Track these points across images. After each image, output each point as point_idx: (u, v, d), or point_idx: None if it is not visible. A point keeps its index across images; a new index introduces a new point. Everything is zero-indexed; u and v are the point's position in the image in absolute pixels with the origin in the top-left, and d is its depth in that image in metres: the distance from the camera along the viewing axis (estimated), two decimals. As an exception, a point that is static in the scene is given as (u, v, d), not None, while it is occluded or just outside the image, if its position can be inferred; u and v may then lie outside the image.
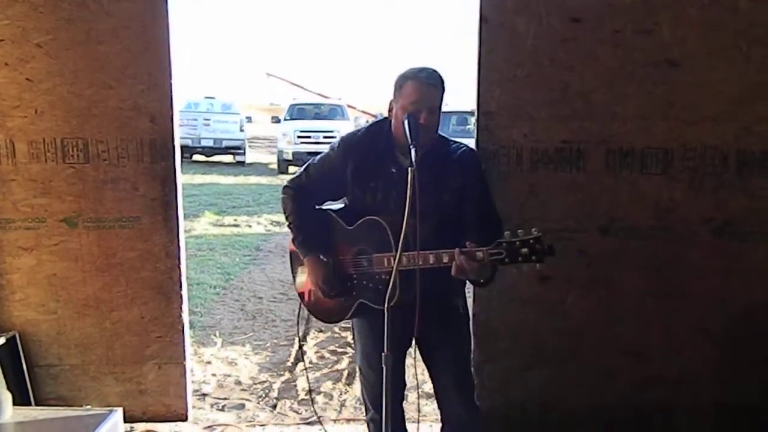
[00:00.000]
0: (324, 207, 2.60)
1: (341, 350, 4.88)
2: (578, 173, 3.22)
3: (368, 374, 2.58)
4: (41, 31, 3.20)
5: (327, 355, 4.79)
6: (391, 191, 2.36)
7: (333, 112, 17.79)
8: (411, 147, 2.18)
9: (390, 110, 2.40)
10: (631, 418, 3.35)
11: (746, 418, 3.28)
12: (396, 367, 2.42)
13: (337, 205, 2.59)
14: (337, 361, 4.67)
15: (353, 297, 2.45)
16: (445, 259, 2.21)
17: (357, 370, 2.75)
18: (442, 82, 2.36)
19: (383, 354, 2.19)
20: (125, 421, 3.21)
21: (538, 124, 3.20)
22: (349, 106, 19.96)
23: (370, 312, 2.42)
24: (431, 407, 3.72)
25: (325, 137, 15.91)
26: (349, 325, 5.04)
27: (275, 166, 16.87)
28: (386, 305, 2.15)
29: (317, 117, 17.45)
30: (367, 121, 25.18)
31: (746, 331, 3.27)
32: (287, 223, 2.58)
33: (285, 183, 2.63)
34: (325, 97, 24.70)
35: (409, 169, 2.13)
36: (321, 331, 5.24)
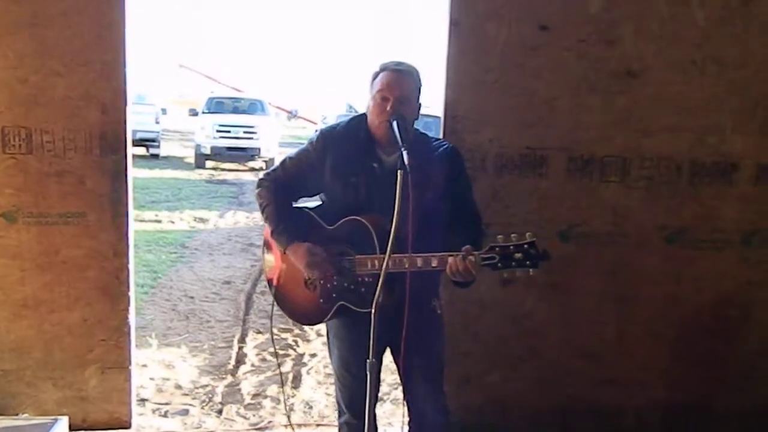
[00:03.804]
0: (300, 205, 2.52)
1: (283, 352, 4.77)
2: (541, 179, 3.27)
3: (344, 378, 2.52)
4: (-18, 11, 2.96)
5: (268, 357, 4.66)
6: (373, 188, 2.32)
7: (253, 107, 17.39)
8: (402, 149, 2.14)
9: (367, 106, 2.38)
10: (585, 419, 3.43)
11: (693, 417, 3.43)
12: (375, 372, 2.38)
13: (314, 203, 2.52)
14: (280, 364, 4.56)
15: (333, 299, 2.38)
16: (434, 263, 2.18)
17: (333, 372, 2.66)
18: (416, 73, 2.35)
19: (368, 361, 2.15)
20: (64, 430, 3.01)
21: (504, 129, 3.22)
22: (264, 102, 19.61)
23: (349, 315, 2.37)
24: (381, 410, 3.70)
25: (245, 132, 15.58)
26: (289, 326, 5.06)
27: (191, 160, 16.35)
28: (374, 310, 2.10)
29: (236, 111, 17.01)
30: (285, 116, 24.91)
31: (694, 333, 3.40)
32: (264, 216, 2.48)
33: (260, 176, 2.55)
34: (239, 90, 24.25)
35: (399, 171, 2.09)
36: (260, 332, 5.10)
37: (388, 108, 2.26)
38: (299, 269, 2.40)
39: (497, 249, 2.10)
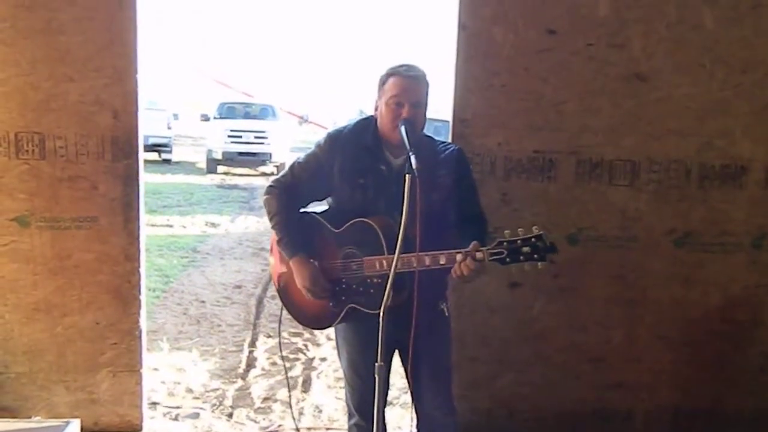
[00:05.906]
0: (308, 210, 2.54)
1: (293, 356, 4.78)
2: (549, 183, 3.27)
3: (354, 380, 2.54)
4: (-3, 17, 3.00)
5: (279, 361, 4.67)
6: (381, 190, 2.35)
7: (264, 112, 17.46)
8: (410, 154, 2.16)
9: (375, 109, 2.41)
10: (593, 423, 3.42)
11: (702, 421, 3.42)
12: (384, 375, 2.39)
13: (321, 208, 2.54)
14: (290, 368, 4.58)
15: (342, 302, 2.40)
16: (442, 261, 2.20)
17: (343, 374, 2.68)
18: (425, 76, 2.37)
19: (377, 364, 2.16)
20: (76, 432, 3.04)
21: (512, 133, 3.23)
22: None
23: (358, 317, 2.38)
24: (390, 414, 3.70)
25: (256, 137, 15.65)
26: (299, 330, 5.07)
27: (203, 165, 16.45)
28: (382, 310, 2.11)
29: (247, 116, 17.12)
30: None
31: (702, 337, 3.40)
32: (271, 224, 2.51)
33: (269, 182, 2.57)
34: (250, 95, 24.32)
35: (407, 175, 2.10)
36: (270, 336, 5.12)
37: (404, 113, 2.29)
38: None
39: (505, 243, 2.11)
